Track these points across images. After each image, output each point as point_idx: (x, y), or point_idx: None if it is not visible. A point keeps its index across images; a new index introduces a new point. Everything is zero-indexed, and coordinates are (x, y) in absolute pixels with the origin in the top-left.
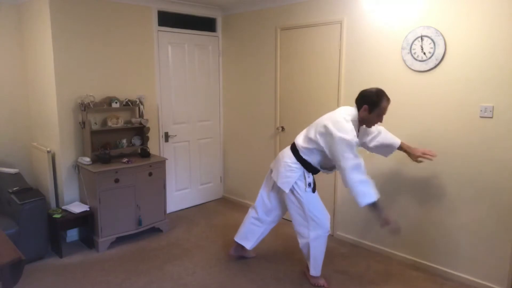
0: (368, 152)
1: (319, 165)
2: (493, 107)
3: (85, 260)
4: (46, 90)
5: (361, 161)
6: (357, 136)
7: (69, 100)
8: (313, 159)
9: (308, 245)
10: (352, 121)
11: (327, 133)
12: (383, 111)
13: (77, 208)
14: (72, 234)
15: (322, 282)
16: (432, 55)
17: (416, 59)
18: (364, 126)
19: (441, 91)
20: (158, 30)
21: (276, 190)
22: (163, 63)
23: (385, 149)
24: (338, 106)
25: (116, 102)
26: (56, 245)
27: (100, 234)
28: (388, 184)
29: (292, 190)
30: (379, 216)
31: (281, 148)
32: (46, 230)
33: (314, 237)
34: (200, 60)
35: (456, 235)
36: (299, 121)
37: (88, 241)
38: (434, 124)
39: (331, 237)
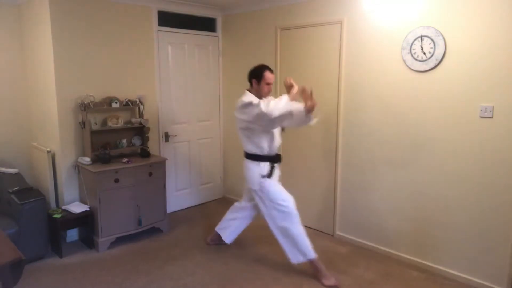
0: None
1: (269, 148)
2: (493, 107)
3: (85, 260)
4: (46, 90)
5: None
6: None
7: (69, 100)
8: (261, 146)
9: (285, 233)
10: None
11: (238, 115)
12: (268, 80)
13: (77, 208)
14: (72, 234)
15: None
16: (432, 55)
17: (416, 59)
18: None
19: (441, 91)
20: (158, 30)
21: (249, 191)
22: (163, 63)
23: (300, 116)
24: (338, 106)
25: (116, 102)
26: (56, 245)
27: (100, 234)
28: (388, 184)
29: (258, 186)
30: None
31: (281, 148)
32: (46, 230)
33: (287, 225)
34: (200, 60)
35: (456, 235)
36: None
37: (88, 241)
38: (434, 124)
39: (331, 237)
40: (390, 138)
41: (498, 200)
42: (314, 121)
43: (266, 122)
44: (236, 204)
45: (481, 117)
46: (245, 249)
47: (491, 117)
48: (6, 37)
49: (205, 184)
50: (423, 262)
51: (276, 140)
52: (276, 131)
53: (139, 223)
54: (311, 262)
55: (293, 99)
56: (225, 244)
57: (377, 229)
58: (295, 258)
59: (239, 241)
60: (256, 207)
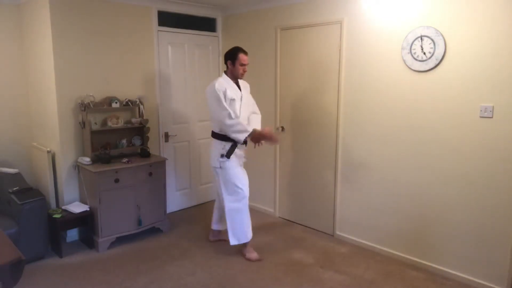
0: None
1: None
2: (493, 107)
3: (85, 260)
4: (46, 90)
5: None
6: (240, 90)
7: (69, 100)
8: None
9: (231, 212)
10: (223, 79)
11: (207, 97)
12: (242, 61)
13: (77, 208)
14: (72, 234)
15: (254, 255)
16: (432, 55)
17: (416, 59)
18: (244, 88)
19: (441, 91)
20: (158, 30)
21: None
22: (163, 63)
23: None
24: (338, 106)
25: (116, 102)
26: (56, 245)
27: (100, 234)
28: (388, 183)
29: (216, 166)
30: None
31: (281, 148)
32: (46, 230)
33: (242, 202)
34: (200, 60)
35: (456, 235)
36: (299, 121)
37: (88, 241)
38: (434, 124)
39: (331, 237)
40: (390, 138)
41: (498, 200)
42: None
43: (217, 120)
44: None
45: (481, 117)
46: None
47: (491, 117)
48: (6, 37)
49: (205, 184)
50: (423, 262)
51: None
52: (243, 113)
53: (139, 223)
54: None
55: (256, 139)
56: (225, 239)
57: (377, 229)
58: (232, 240)
59: None
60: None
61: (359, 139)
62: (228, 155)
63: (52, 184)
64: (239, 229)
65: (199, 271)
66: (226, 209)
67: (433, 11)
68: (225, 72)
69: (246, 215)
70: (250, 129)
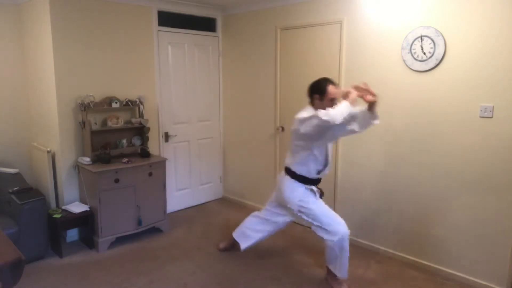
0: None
1: (316, 171)
2: (493, 107)
3: (85, 260)
4: (46, 90)
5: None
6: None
7: (69, 100)
8: (308, 168)
9: (335, 248)
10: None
11: (295, 129)
12: (332, 95)
13: (77, 208)
14: (72, 234)
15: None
16: (432, 55)
17: (416, 59)
18: None
19: (441, 91)
20: (158, 30)
21: (282, 206)
22: (163, 63)
23: (364, 116)
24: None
25: (116, 102)
26: (56, 245)
27: (100, 234)
28: (388, 184)
29: (300, 208)
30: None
31: (281, 149)
32: (46, 230)
33: (338, 240)
34: (200, 60)
35: (456, 235)
36: None
37: (88, 241)
38: (434, 124)
39: None
40: (390, 138)
41: (498, 200)
42: (378, 119)
43: (327, 132)
44: (260, 214)
45: (481, 117)
46: (229, 239)
47: (491, 117)
48: (6, 37)
49: (205, 184)
50: (423, 262)
51: (327, 163)
52: (330, 153)
53: (139, 223)
54: None
55: (352, 103)
56: (238, 251)
57: (377, 229)
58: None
59: None
60: (271, 232)
61: (359, 139)
62: (321, 195)
63: (52, 184)
64: (345, 262)
65: (199, 271)
66: (335, 244)
67: (433, 11)
68: (311, 104)
69: (347, 249)
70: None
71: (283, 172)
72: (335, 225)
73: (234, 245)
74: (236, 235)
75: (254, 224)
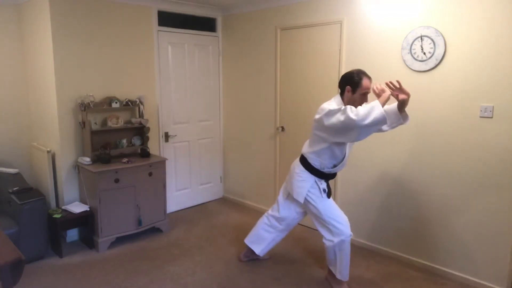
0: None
1: (331, 165)
2: (493, 107)
3: (85, 260)
4: (46, 90)
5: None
6: None
7: (69, 100)
8: (323, 161)
9: (333, 249)
10: (337, 105)
11: (318, 119)
12: (366, 90)
13: (77, 208)
14: (72, 234)
15: None
16: (432, 55)
17: (416, 59)
18: None
19: (441, 91)
20: (158, 30)
21: (291, 200)
22: (163, 63)
23: (393, 116)
24: None
25: (116, 102)
26: (56, 245)
27: (100, 234)
28: (388, 184)
29: (307, 200)
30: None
31: (281, 149)
32: (46, 230)
33: (338, 242)
34: (200, 60)
35: (456, 235)
36: (299, 121)
37: (88, 241)
38: (434, 124)
39: None
40: (389, 138)
41: (498, 200)
42: (409, 120)
43: (350, 132)
44: (270, 215)
45: (481, 117)
46: (245, 249)
47: (491, 117)
48: (6, 37)
49: (205, 184)
50: (423, 262)
51: (344, 159)
52: (349, 150)
53: (139, 223)
54: None
55: (384, 103)
56: (258, 258)
57: (377, 229)
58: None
59: (239, 242)
60: (286, 230)
61: None
62: (329, 194)
63: (52, 184)
64: (346, 264)
65: (199, 271)
66: (336, 245)
67: (433, 11)
68: (341, 96)
69: (349, 250)
70: (377, 103)
71: (297, 159)
72: (339, 226)
73: (252, 252)
74: (248, 241)
75: (262, 224)
